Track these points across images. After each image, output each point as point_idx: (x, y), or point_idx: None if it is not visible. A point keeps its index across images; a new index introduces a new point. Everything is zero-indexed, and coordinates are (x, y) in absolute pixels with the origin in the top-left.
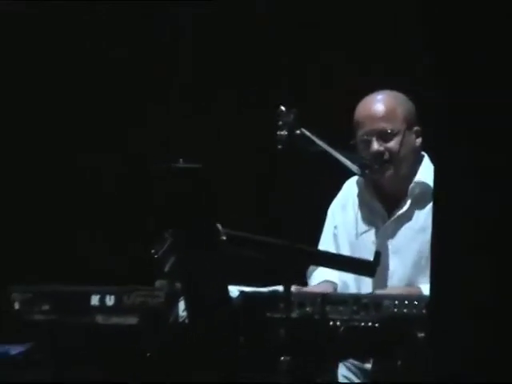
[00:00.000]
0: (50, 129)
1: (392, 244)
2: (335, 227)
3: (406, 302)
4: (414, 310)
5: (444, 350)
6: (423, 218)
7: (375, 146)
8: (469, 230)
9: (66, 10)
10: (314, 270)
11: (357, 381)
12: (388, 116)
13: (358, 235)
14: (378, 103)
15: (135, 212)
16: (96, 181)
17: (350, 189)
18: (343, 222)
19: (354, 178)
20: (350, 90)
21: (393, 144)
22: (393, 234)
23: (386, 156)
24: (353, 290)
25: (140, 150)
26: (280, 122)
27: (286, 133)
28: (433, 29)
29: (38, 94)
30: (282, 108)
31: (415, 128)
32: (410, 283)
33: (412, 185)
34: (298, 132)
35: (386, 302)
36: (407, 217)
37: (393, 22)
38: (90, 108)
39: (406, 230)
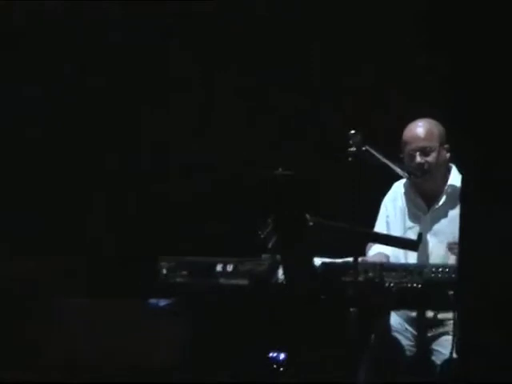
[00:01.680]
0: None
1: (431, 229)
2: (387, 216)
3: (440, 270)
4: (446, 275)
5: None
6: (454, 211)
7: (418, 159)
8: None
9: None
10: (371, 246)
11: (404, 324)
12: (427, 137)
13: (405, 222)
14: (420, 128)
15: (247, 205)
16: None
17: (398, 188)
18: (393, 213)
19: (401, 181)
20: (400, 117)
21: (431, 158)
22: (431, 222)
23: (426, 166)
24: (402, 261)
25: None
26: (350, 141)
27: (355, 149)
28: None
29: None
30: (352, 131)
31: (446, 146)
32: (444, 258)
33: (446, 187)
34: (364, 149)
35: (426, 270)
36: (442, 210)
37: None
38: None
39: (441, 220)
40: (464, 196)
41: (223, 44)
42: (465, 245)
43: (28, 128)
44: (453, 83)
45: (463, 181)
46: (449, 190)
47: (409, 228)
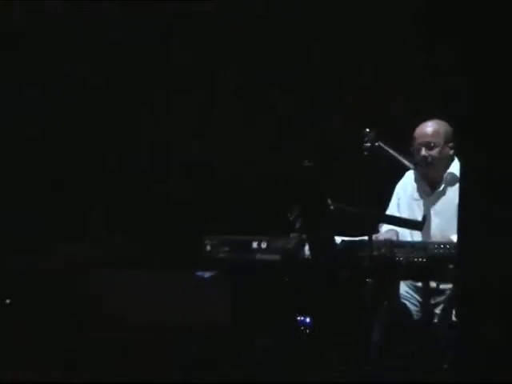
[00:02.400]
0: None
1: (433, 210)
2: (399, 199)
3: (442, 246)
4: (447, 251)
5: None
6: (452, 194)
7: (423, 152)
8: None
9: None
10: (382, 225)
11: (411, 293)
12: (432, 135)
13: (412, 205)
14: (428, 126)
15: (278, 192)
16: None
17: (408, 177)
18: (404, 196)
19: (410, 172)
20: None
21: (434, 152)
22: (434, 203)
23: (430, 159)
24: (409, 238)
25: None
26: (366, 138)
27: (370, 145)
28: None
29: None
30: (367, 129)
31: (450, 144)
32: (445, 235)
33: (445, 174)
34: (377, 144)
35: (430, 246)
36: (442, 193)
37: None
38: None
39: (441, 201)
40: (463, 191)
41: (223, 44)
42: (464, 239)
43: (28, 128)
44: (454, 84)
45: (461, 176)
46: (448, 177)
47: (414, 211)
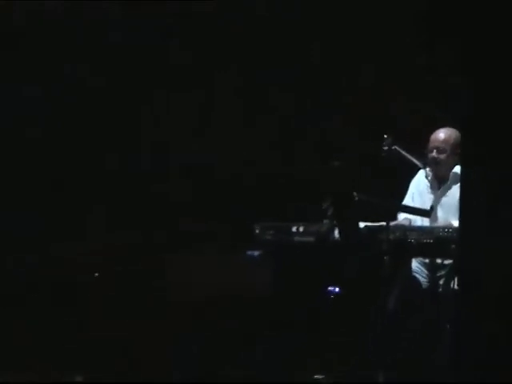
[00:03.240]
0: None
1: (440, 202)
2: (413, 193)
3: (446, 230)
4: (450, 234)
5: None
6: (456, 190)
7: (434, 154)
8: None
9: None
10: (399, 213)
11: (421, 267)
12: (443, 141)
13: (424, 197)
14: (440, 133)
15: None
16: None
17: (420, 175)
18: (416, 191)
19: (422, 171)
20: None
21: (442, 156)
22: (440, 197)
23: (438, 160)
24: (419, 223)
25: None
26: (384, 143)
27: (387, 148)
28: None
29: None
30: (385, 135)
31: (457, 151)
32: (448, 222)
33: (451, 173)
34: (393, 148)
35: (436, 230)
36: (448, 189)
37: None
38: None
39: (447, 196)
40: (463, 192)
41: (223, 44)
42: (465, 238)
43: (28, 128)
44: (453, 84)
45: (461, 176)
46: (453, 176)
47: (425, 201)
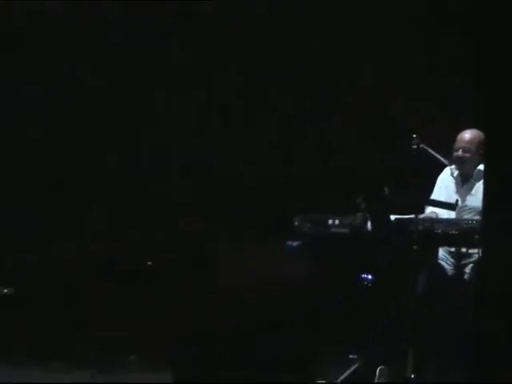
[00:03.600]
0: None
1: (464, 197)
2: (440, 187)
3: (469, 222)
4: (473, 225)
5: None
6: (479, 186)
7: (459, 153)
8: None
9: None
10: (427, 207)
11: (447, 256)
12: (468, 141)
13: (450, 192)
14: (466, 134)
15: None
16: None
17: (446, 172)
18: (443, 186)
19: (448, 168)
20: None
21: (467, 155)
22: (465, 192)
23: (463, 159)
24: (446, 216)
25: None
26: (413, 142)
27: (416, 147)
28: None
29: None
30: (414, 135)
31: (481, 151)
32: (472, 215)
33: (475, 171)
34: (421, 146)
35: (461, 222)
36: (471, 185)
37: None
38: None
39: (471, 191)
40: (487, 178)
41: (223, 44)
42: (488, 238)
43: (28, 128)
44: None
45: (485, 178)
46: (475, 173)
47: (451, 196)
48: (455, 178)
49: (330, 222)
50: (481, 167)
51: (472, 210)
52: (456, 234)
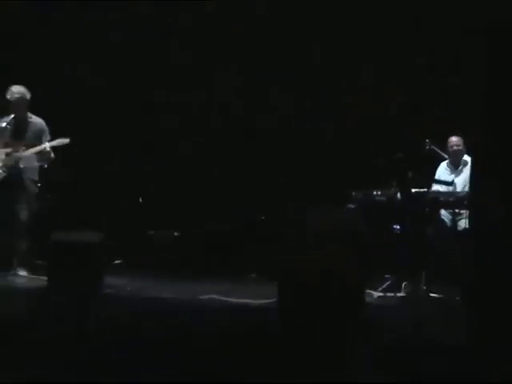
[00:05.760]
0: None
1: (457, 177)
2: (440, 172)
3: (460, 194)
4: (463, 195)
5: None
6: (466, 170)
7: (454, 149)
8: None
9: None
10: (434, 184)
11: (447, 214)
12: (457, 142)
13: (446, 175)
14: (454, 138)
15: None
16: None
17: (443, 163)
18: (442, 171)
19: (445, 161)
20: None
21: (458, 149)
22: (457, 175)
23: (457, 152)
24: (445, 190)
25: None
26: (426, 143)
27: (428, 147)
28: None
29: None
30: (427, 140)
31: (465, 148)
32: (461, 189)
33: (462, 160)
34: (432, 147)
35: (455, 193)
36: (461, 170)
37: None
38: None
39: (460, 174)
40: (474, 165)
41: (223, 44)
42: (473, 202)
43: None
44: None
45: (471, 165)
46: (462, 162)
47: (447, 178)
48: (449, 166)
49: (374, 193)
50: (465, 157)
51: (460, 185)
52: (452, 200)
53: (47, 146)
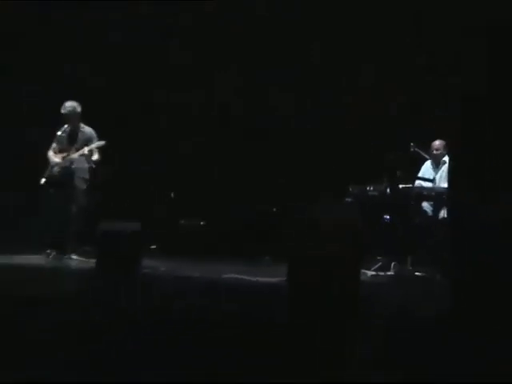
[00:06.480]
0: None
1: (437, 175)
2: (423, 171)
3: (440, 189)
4: (442, 190)
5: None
6: (444, 169)
7: (435, 152)
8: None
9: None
10: (417, 181)
11: (428, 206)
12: (438, 146)
13: (428, 173)
14: (437, 142)
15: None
16: None
17: (427, 163)
18: (425, 170)
19: (428, 161)
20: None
21: (439, 152)
22: (437, 173)
23: (437, 155)
24: (427, 185)
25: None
26: (411, 145)
27: (412, 149)
28: None
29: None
30: (411, 143)
31: (445, 150)
32: (440, 186)
33: (441, 161)
34: (416, 150)
35: (435, 188)
36: (440, 168)
37: None
38: None
39: (440, 172)
40: (451, 164)
41: (223, 44)
42: (451, 195)
43: (28, 128)
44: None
45: (449, 165)
46: (442, 162)
47: (430, 175)
48: (432, 165)
49: (368, 188)
50: (444, 159)
51: (440, 182)
52: (433, 194)
53: (85, 149)
